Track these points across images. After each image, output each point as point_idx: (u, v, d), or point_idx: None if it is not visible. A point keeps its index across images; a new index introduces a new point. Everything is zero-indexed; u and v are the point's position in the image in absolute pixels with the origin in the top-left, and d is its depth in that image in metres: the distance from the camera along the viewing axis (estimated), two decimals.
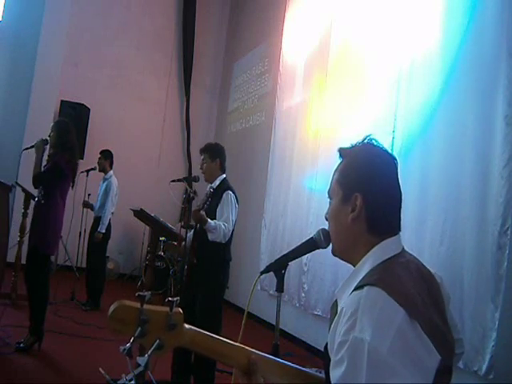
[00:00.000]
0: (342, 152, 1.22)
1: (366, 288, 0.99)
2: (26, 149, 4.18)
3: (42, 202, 3.83)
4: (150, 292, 0.90)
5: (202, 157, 3.52)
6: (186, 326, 0.96)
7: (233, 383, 1.10)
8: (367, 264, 1.09)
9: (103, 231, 5.70)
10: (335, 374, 0.95)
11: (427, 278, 1.11)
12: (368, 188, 1.13)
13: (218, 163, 3.49)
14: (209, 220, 3.18)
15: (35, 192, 4.08)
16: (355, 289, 1.03)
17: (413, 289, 1.02)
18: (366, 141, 1.21)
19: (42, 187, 3.86)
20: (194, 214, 3.21)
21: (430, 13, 3.86)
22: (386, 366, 0.90)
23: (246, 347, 1.06)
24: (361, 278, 1.06)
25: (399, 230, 1.16)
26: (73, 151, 3.96)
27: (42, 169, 3.89)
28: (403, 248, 1.15)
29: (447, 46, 3.61)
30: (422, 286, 1.06)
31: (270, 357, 1.12)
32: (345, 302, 1.05)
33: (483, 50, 3.27)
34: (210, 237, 3.22)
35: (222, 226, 3.23)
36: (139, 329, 0.88)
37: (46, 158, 4.02)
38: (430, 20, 3.84)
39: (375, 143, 1.20)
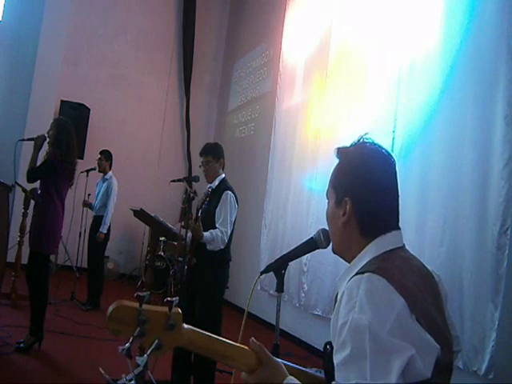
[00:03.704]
0: (338, 152, 1.22)
1: (366, 274, 1.00)
2: (23, 140, 4.18)
3: (40, 200, 3.84)
4: (148, 292, 0.91)
5: (205, 159, 3.45)
6: (185, 326, 0.95)
7: (232, 383, 1.10)
8: (367, 255, 1.10)
9: (105, 231, 5.72)
10: (338, 356, 0.95)
11: (426, 276, 1.12)
12: (357, 192, 1.13)
13: (222, 163, 3.49)
14: (204, 234, 3.17)
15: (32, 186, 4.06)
16: (356, 274, 1.04)
17: (412, 283, 1.02)
18: (361, 140, 1.20)
19: (39, 189, 3.86)
20: (191, 227, 3.20)
21: (430, 13, 3.86)
22: (388, 343, 0.91)
23: (246, 347, 1.06)
24: (360, 267, 1.07)
25: (397, 226, 1.16)
26: (69, 150, 3.93)
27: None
28: (404, 245, 1.15)
29: (447, 46, 3.61)
30: (422, 282, 1.07)
31: None
32: (345, 286, 1.05)
33: (483, 50, 3.27)
34: (209, 247, 3.22)
35: (219, 234, 3.21)
36: (138, 329, 0.88)
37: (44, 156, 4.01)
38: (430, 20, 3.84)
39: (370, 142, 1.19)
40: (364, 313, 0.93)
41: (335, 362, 0.96)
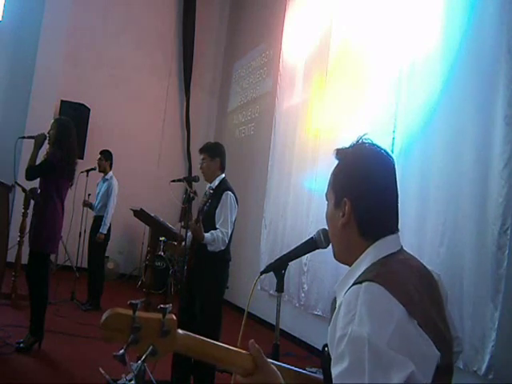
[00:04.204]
0: (337, 154, 1.22)
1: (364, 283, 0.99)
2: (23, 138, 4.19)
3: (39, 200, 3.84)
4: (141, 300, 0.91)
5: (202, 156, 3.49)
6: (180, 331, 0.96)
7: (232, 383, 1.10)
8: (366, 260, 1.09)
9: (105, 232, 5.72)
10: (337, 369, 0.95)
11: (426, 276, 1.11)
12: (356, 193, 1.13)
13: (218, 162, 3.48)
14: (205, 235, 3.16)
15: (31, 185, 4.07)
16: (354, 284, 1.03)
17: (412, 286, 1.02)
18: (360, 141, 1.19)
19: (39, 188, 3.86)
20: (192, 228, 3.20)
21: (430, 13, 3.86)
22: (388, 357, 0.90)
23: (242, 351, 1.05)
24: (359, 273, 1.06)
25: (397, 229, 1.15)
26: (70, 151, 3.93)
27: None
28: (402, 247, 1.15)
29: (447, 46, 3.61)
30: (421, 284, 1.06)
31: (268, 359, 1.12)
32: (344, 296, 1.04)
33: (483, 50, 3.27)
34: (209, 248, 3.21)
35: (220, 235, 3.21)
36: (132, 336, 0.88)
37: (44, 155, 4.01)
38: (430, 20, 3.84)
39: (369, 143, 1.19)
40: (363, 325, 0.93)
41: (333, 374, 0.96)
